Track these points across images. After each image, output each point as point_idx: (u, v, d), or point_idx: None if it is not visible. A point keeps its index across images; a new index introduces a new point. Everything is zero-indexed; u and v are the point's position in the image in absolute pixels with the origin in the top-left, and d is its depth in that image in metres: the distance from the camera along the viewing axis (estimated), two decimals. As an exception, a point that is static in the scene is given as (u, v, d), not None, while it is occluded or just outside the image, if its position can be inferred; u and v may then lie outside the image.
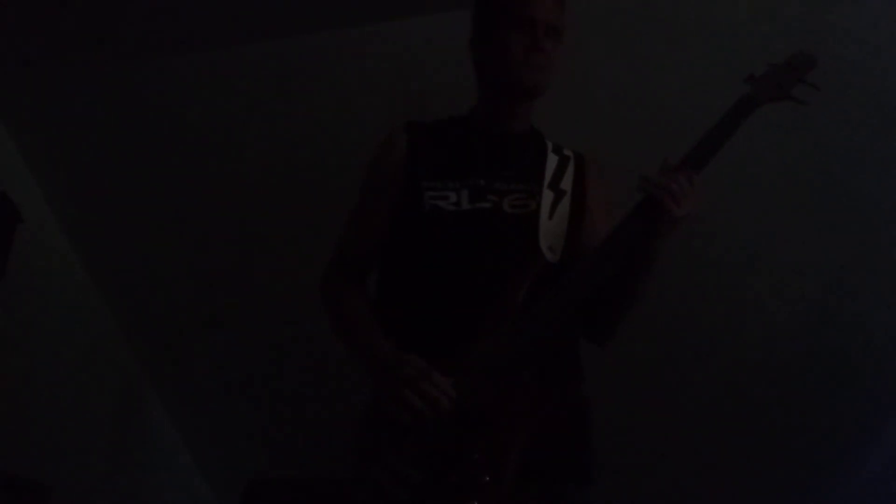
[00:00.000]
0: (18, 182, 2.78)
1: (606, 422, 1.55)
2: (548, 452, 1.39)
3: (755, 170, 2.46)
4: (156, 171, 2.85)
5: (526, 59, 1.56)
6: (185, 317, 3.16)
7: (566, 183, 1.59)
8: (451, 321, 1.41)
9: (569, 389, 1.39)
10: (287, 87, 2.63)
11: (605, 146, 2.34)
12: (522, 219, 1.51)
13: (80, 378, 2.99)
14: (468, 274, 1.45)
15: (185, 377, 3.31)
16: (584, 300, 1.39)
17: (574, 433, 1.47)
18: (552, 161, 1.62)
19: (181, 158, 2.82)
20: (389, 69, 2.54)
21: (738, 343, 2.73)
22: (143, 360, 3.29)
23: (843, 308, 2.62)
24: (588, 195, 1.62)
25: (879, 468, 2.80)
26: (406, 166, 1.58)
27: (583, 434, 1.50)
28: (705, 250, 2.56)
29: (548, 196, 1.55)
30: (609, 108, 2.43)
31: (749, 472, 2.90)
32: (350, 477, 1.46)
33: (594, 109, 2.41)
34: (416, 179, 1.55)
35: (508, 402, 1.33)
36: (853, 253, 2.55)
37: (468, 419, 1.32)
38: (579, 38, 1.79)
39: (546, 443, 1.36)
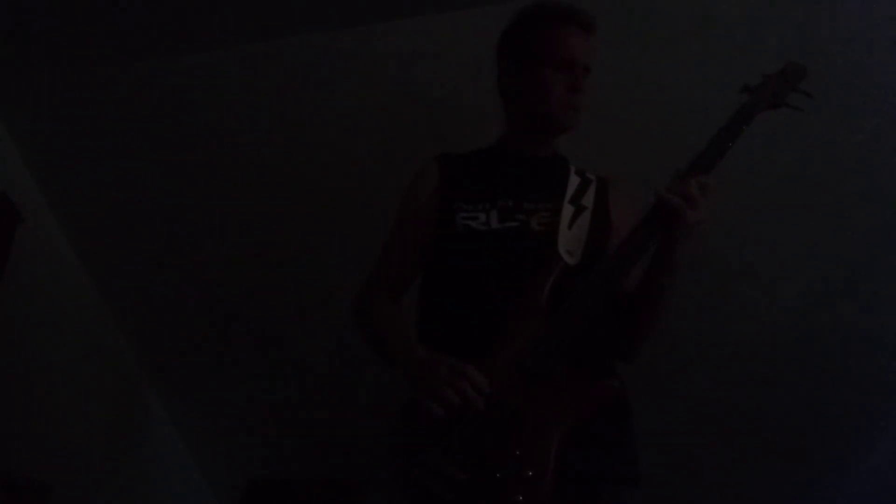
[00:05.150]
0: (18, 182, 2.78)
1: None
2: (591, 453, 1.44)
3: (755, 171, 2.46)
4: (156, 171, 2.85)
5: (566, 100, 1.65)
6: (185, 317, 3.16)
7: (587, 200, 1.67)
8: (484, 330, 1.46)
9: (601, 384, 1.40)
10: (287, 87, 2.63)
11: (610, 150, 2.36)
12: (548, 235, 1.57)
13: (80, 378, 2.99)
14: (499, 287, 1.51)
15: (185, 377, 3.31)
16: (605, 298, 1.43)
17: (615, 433, 1.52)
18: (574, 181, 1.70)
19: (181, 158, 2.82)
20: (390, 69, 2.54)
21: (738, 342, 2.74)
22: (142, 359, 3.29)
23: (844, 307, 2.62)
24: (612, 214, 1.69)
25: (880, 467, 2.80)
26: (439, 193, 1.68)
27: (624, 433, 1.55)
28: (705, 251, 2.56)
29: (568, 210, 1.62)
30: (612, 112, 2.43)
31: (750, 472, 2.90)
32: (383, 480, 1.50)
33: (598, 114, 2.41)
34: (449, 203, 1.64)
35: (542, 398, 1.37)
36: (854, 252, 2.55)
37: (505, 417, 1.35)
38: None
39: (589, 443, 1.41)
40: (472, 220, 1.60)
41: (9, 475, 2.42)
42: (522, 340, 1.41)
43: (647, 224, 1.46)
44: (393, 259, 1.72)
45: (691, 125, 1.70)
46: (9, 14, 2.37)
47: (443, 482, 1.32)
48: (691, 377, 2.79)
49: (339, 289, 1.89)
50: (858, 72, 2.31)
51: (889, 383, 2.68)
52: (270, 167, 2.79)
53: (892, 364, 2.66)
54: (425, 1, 2.37)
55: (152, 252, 3.03)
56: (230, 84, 2.65)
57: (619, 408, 1.55)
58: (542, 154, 1.73)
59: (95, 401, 3.08)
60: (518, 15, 1.74)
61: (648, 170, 1.68)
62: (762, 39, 2.30)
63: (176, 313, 3.16)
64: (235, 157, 2.79)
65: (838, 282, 2.59)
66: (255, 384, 3.26)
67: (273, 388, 3.25)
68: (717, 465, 2.90)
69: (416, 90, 2.56)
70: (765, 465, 2.87)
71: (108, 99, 2.70)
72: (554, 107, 1.65)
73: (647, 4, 2.35)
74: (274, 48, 2.55)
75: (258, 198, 2.85)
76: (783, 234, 2.57)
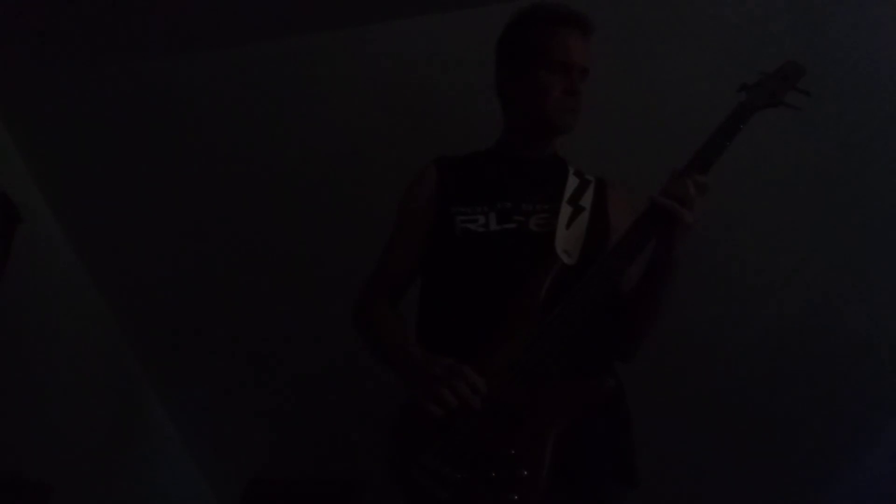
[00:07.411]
0: (18, 182, 2.78)
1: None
2: (589, 453, 1.44)
3: (756, 172, 2.46)
4: (155, 171, 2.85)
5: (562, 102, 1.66)
6: (185, 317, 3.16)
7: (585, 201, 1.67)
8: (482, 331, 1.47)
9: (595, 383, 1.40)
10: (287, 87, 2.63)
11: (609, 151, 2.36)
12: (546, 236, 1.58)
13: (80, 378, 2.99)
14: (498, 288, 1.52)
15: (185, 377, 3.31)
16: (602, 298, 1.44)
17: (613, 432, 1.52)
18: (573, 182, 1.71)
19: (181, 158, 2.82)
20: (389, 70, 2.54)
21: (739, 343, 2.74)
22: (142, 359, 3.29)
23: (843, 308, 2.62)
24: (611, 214, 1.69)
25: (879, 468, 2.80)
26: (438, 197, 1.68)
27: (622, 433, 1.55)
28: (706, 252, 2.56)
29: (566, 210, 1.63)
30: (610, 112, 2.43)
31: (749, 473, 2.90)
32: (378, 479, 1.50)
33: (597, 114, 2.41)
34: (448, 206, 1.65)
35: (537, 398, 1.37)
36: (854, 253, 2.55)
37: (501, 417, 1.36)
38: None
39: (587, 443, 1.42)
40: (470, 223, 1.61)
41: (9, 475, 2.43)
42: (519, 340, 1.42)
43: (642, 224, 1.46)
44: (392, 262, 1.72)
45: (690, 125, 1.70)
46: (9, 15, 2.37)
47: (439, 482, 1.33)
48: (691, 378, 2.79)
49: (340, 289, 1.89)
50: (858, 72, 2.31)
51: (889, 385, 2.68)
52: (269, 167, 2.79)
53: (891, 366, 2.66)
54: (424, 1, 2.37)
55: (152, 252, 3.03)
56: (230, 84, 2.65)
57: (617, 407, 1.55)
58: (541, 155, 1.74)
59: (95, 401, 3.08)
60: (515, 16, 1.74)
61: (648, 170, 1.68)
62: (761, 40, 2.30)
63: (176, 313, 3.16)
64: (234, 158, 2.79)
65: (838, 284, 2.59)
66: (255, 384, 3.26)
67: (273, 388, 3.25)
68: (717, 465, 2.90)
69: (415, 91, 2.56)
70: (764, 465, 2.87)
71: (107, 99, 2.70)
72: (550, 109, 1.66)
73: (645, 5, 2.35)
74: (274, 48, 2.55)
75: (257, 198, 2.85)
76: (783, 235, 2.57)
